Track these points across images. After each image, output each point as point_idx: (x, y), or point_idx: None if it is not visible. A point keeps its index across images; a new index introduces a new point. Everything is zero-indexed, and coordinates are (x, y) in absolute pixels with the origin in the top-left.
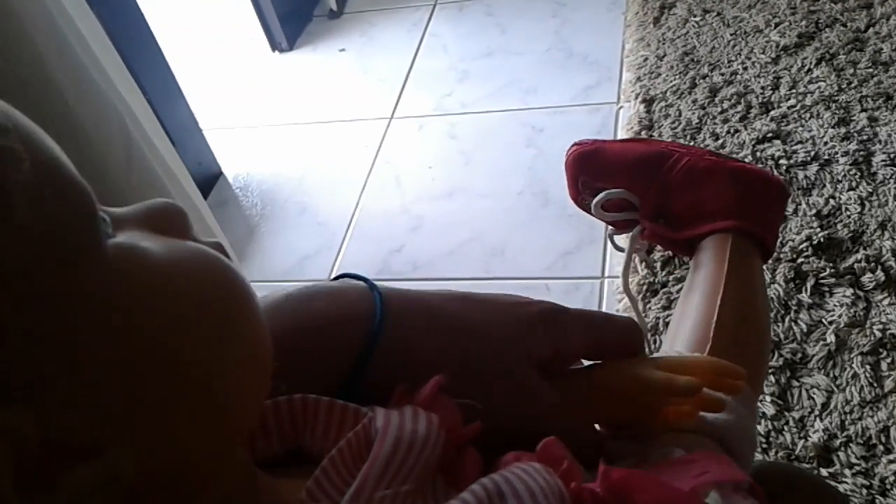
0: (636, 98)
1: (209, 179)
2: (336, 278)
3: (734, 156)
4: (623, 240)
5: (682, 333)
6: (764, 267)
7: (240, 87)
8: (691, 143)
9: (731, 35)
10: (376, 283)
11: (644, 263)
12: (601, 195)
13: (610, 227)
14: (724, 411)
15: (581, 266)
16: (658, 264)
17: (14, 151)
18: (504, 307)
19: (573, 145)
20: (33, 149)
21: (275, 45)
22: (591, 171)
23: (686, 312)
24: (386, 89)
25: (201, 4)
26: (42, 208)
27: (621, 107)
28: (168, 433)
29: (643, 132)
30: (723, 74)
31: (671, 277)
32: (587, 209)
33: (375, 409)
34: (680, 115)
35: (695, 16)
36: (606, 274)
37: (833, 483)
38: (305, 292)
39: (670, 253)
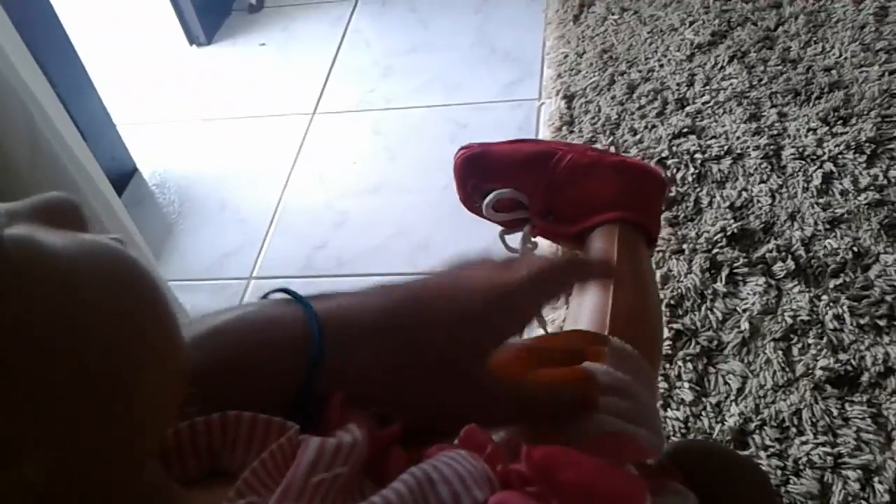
0: (557, 94)
1: (124, 176)
2: (265, 295)
3: (653, 149)
4: (513, 239)
5: (581, 320)
6: (668, 256)
7: (156, 81)
8: (611, 138)
9: (648, 33)
10: (308, 298)
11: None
12: (491, 196)
13: (500, 228)
14: (625, 396)
15: None
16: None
17: None
18: (447, 309)
19: (460, 149)
20: None
21: (192, 39)
22: (479, 173)
23: (584, 302)
24: (308, 84)
25: None
26: None
27: (543, 103)
28: (77, 442)
29: (564, 128)
30: (640, 71)
31: None
32: (477, 211)
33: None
34: (599, 111)
35: (613, 14)
36: None
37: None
38: (236, 325)
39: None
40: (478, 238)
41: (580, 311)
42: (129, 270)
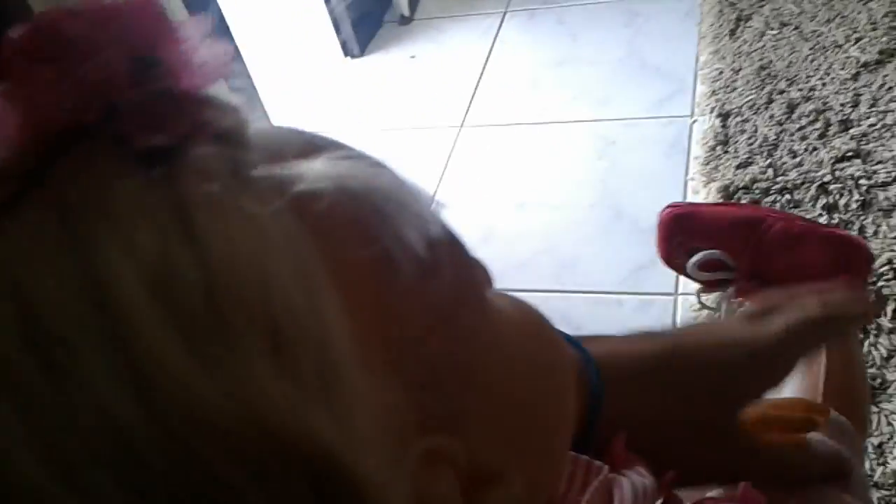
0: (711, 112)
1: None
2: None
3: (814, 173)
4: (711, 299)
5: (789, 386)
6: None
7: (312, 92)
8: (768, 160)
9: (810, 50)
10: (577, 339)
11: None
12: (698, 255)
13: (698, 286)
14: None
15: (654, 282)
16: None
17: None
18: (711, 358)
19: (667, 206)
20: (446, 224)
21: (347, 51)
22: (686, 231)
23: (794, 373)
24: (456, 97)
25: (276, 9)
26: (451, 258)
27: (695, 120)
28: (531, 468)
29: (718, 147)
30: (801, 90)
31: None
32: (678, 268)
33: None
34: (756, 130)
35: (772, 29)
36: (680, 291)
37: None
38: None
39: None
40: (624, 259)
41: (791, 380)
42: (547, 330)
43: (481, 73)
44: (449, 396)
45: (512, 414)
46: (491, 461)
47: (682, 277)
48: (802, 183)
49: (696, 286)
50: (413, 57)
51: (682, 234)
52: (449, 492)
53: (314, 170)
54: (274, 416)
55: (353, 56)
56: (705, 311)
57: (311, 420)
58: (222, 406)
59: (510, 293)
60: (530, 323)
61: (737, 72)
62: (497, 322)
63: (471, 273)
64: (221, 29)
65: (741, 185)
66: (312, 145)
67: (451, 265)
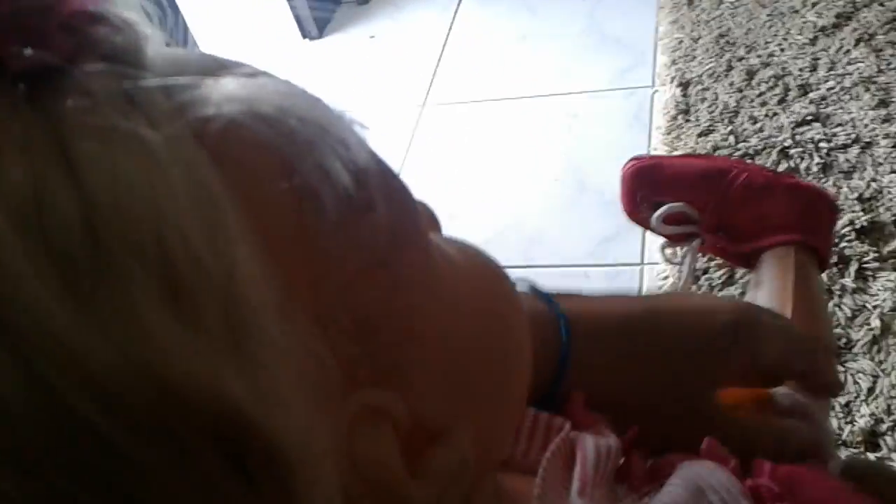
0: (672, 81)
1: None
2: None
3: (774, 138)
4: (674, 253)
5: None
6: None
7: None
8: (729, 127)
9: (767, 16)
10: (552, 296)
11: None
12: (663, 209)
13: (662, 240)
14: (803, 418)
15: (620, 252)
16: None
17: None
18: (693, 321)
19: (630, 160)
20: (377, 155)
21: (305, 33)
22: (650, 185)
23: None
24: (418, 76)
25: None
26: (386, 194)
27: (657, 90)
28: (483, 421)
29: (680, 116)
30: (759, 56)
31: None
32: (643, 223)
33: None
34: (717, 98)
35: None
36: (646, 260)
37: None
38: None
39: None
40: (589, 231)
41: None
42: (499, 275)
43: (442, 51)
44: (385, 348)
45: (458, 368)
46: (435, 417)
47: (647, 247)
48: (763, 148)
49: (659, 253)
50: (372, 37)
51: (645, 188)
52: (388, 453)
53: (218, 91)
54: (172, 370)
55: (311, 38)
56: (670, 268)
57: (218, 375)
58: (109, 360)
59: (464, 239)
60: (480, 270)
61: (696, 41)
62: (442, 268)
63: (409, 212)
64: (174, 9)
65: (703, 152)
66: (217, 64)
67: (386, 201)
